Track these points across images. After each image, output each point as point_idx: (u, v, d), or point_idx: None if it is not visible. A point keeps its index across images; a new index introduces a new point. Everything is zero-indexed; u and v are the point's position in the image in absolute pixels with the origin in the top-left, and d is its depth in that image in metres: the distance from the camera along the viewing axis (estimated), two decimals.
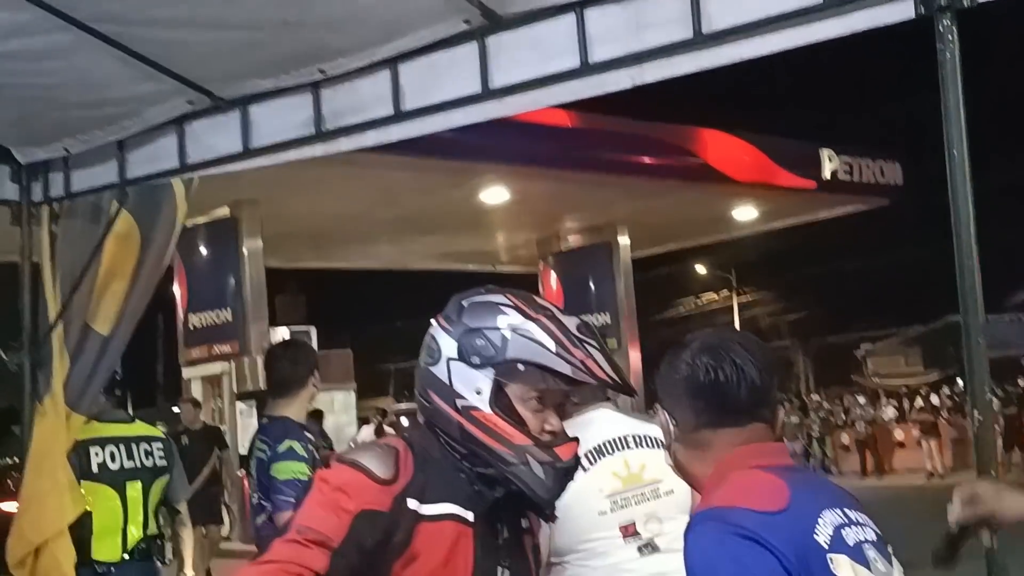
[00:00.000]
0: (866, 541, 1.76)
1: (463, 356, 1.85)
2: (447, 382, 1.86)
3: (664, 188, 16.24)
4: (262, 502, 3.86)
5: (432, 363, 1.89)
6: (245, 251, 15.11)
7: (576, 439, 1.93)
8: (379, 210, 15.75)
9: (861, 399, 25.39)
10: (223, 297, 15.21)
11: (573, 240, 20.87)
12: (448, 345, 1.87)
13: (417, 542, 1.80)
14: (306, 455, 3.89)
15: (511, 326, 1.85)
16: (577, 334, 1.87)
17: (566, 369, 1.83)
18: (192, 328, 15.71)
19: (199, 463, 9.86)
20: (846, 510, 1.78)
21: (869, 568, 1.72)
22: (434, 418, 1.89)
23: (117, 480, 4.19)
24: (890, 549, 1.81)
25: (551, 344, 1.83)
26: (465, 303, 1.92)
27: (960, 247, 2.44)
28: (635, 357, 20.22)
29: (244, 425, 14.18)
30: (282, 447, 3.80)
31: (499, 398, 1.84)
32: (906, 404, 24.40)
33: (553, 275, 20.84)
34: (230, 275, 15.16)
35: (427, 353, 1.91)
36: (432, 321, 1.96)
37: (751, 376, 1.79)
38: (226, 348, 15.08)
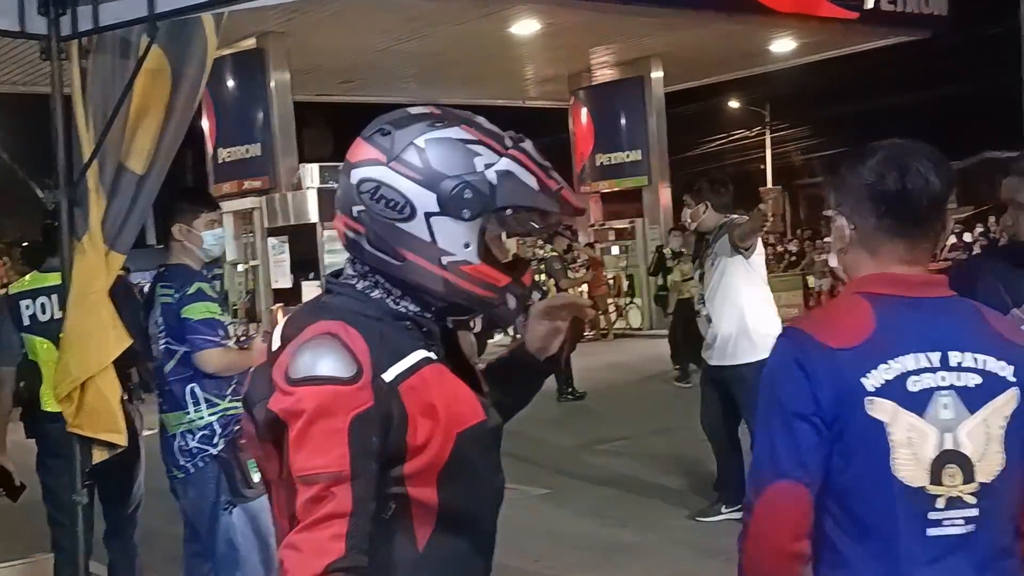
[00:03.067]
0: (948, 389, 1.81)
1: (447, 211, 1.67)
2: (429, 239, 1.68)
3: (700, 19, 15.76)
4: (170, 346, 3.96)
5: (402, 219, 1.68)
6: (272, 84, 14.94)
7: (528, 260, 1.88)
8: (406, 43, 15.45)
9: None
10: (252, 131, 15.11)
11: (605, 74, 20.47)
12: (424, 198, 1.67)
13: (410, 403, 1.66)
14: (216, 295, 4.06)
15: (493, 168, 1.68)
16: (541, 161, 1.74)
17: (552, 207, 1.72)
18: (221, 163, 15.68)
19: None
20: (953, 354, 1.83)
21: (923, 415, 1.80)
22: (406, 276, 1.72)
23: (51, 331, 4.25)
24: (1001, 401, 1.84)
25: (533, 182, 1.70)
26: (419, 142, 1.69)
27: None
28: (665, 194, 20.10)
29: (276, 260, 14.33)
30: (191, 289, 3.91)
31: (482, 245, 1.71)
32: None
33: (584, 110, 20.54)
34: (259, 108, 15.03)
35: (389, 207, 1.68)
36: (367, 163, 1.71)
37: (934, 186, 1.86)
38: (256, 183, 15.09)
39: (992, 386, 1.84)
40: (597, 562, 5.89)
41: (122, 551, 4.69)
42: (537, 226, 1.81)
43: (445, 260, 1.69)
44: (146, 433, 4.63)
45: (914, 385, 1.81)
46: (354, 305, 1.74)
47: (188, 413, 3.95)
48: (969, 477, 1.82)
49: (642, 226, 20.15)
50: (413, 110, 1.74)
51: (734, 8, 15.47)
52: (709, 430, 6.55)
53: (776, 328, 6.09)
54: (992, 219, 26.33)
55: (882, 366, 1.81)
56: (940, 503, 1.81)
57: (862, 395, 1.80)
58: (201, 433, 3.95)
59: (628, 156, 20.03)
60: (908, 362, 1.82)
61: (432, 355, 1.74)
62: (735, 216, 6.38)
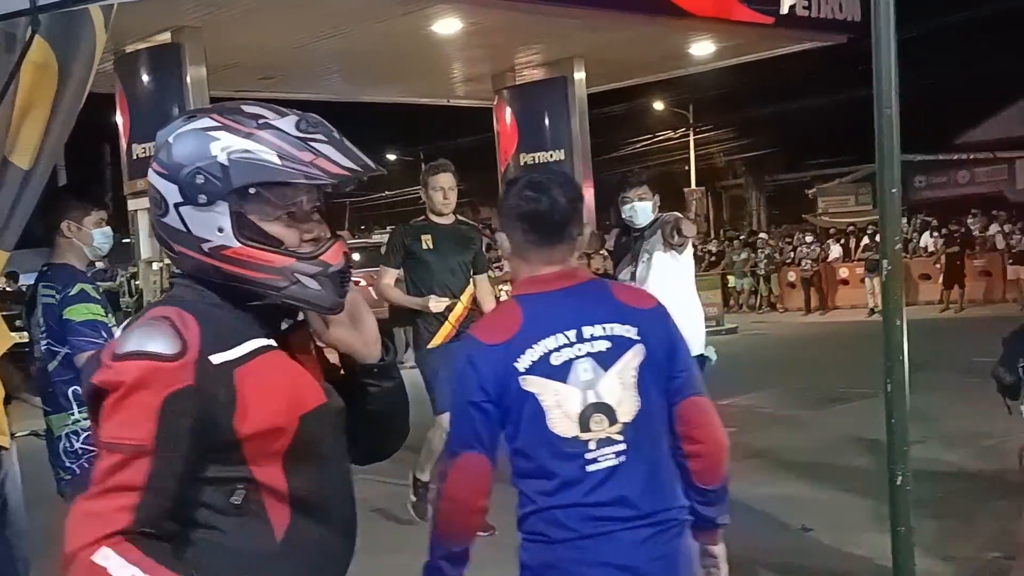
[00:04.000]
0: (584, 356, 2.36)
1: (188, 199, 1.71)
2: (184, 229, 1.72)
3: (621, 21, 15.86)
4: (52, 347, 3.93)
5: (162, 214, 1.74)
6: (188, 79, 14.66)
7: (341, 237, 1.87)
8: (327, 40, 15.29)
9: (809, 238, 25.74)
10: (167, 127, 14.84)
11: (529, 74, 20.53)
12: (170, 190, 1.72)
13: (244, 388, 1.68)
14: (100, 297, 4.01)
15: (228, 151, 1.70)
16: (298, 135, 1.74)
17: (299, 178, 1.71)
18: (136, 158, 15.36)
19: None
20: (586, 328, 2.37)
21: (566, 381, 2.35)
22: (189, 268, 1.76)
23: None
24: (629, 357, 2.38)
25: (274, 158, 1.70)
26: (171, 138, 1.74)
27: (880, 96, 2.42)
28: (589, 194, 20.19)
29: None
30: (74, 290, 3.89)
31: (244, 228, 1.72)
32: (852, 243, 24.79)
33: (508, 110, 20.53)
34: (174, 104, 14.69)
35: (154, 204, 1.75)
36: (150, 168, 1.78)
37: (561, 205, 2.41)
38: None
39: (620, 346, 2.37)
40: None
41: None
42: (305, 200, 1.78)
43: (206, 247, 1.72)
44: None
45: (556, 359, 2.34)
46: (191, 294, 1.77)
47: (72, 415, 3.91)
48: (613, 420, 2.35)
49: None
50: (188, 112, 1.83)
51: (653, 11, 15.60)
52: None
53: (702, 327, 6.17)
54: (904, 220, 27.00)
55: (529, 351, 2.34)
56: (592, 445, 2.34)
57: (516, 376, 2.34)
58: (86, 434, 3.90)
59: (552, 156, 20.05)
60: (549, 343, 2.35)
61: (272, 343, 1.77)
62: (669, 213, 6.18)
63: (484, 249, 6.76)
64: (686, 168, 38.55)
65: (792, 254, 25.01)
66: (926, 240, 24.13)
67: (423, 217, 6.49)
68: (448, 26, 15.92)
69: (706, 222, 37.23)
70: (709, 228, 36.34)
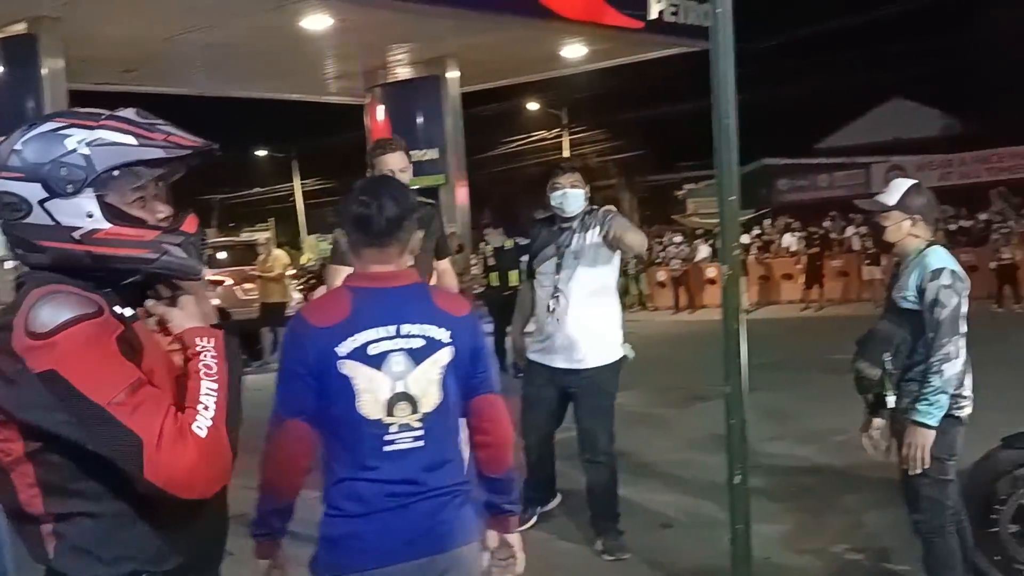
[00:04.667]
0: (399, 351, 2.62)
1: (54, 192, 1.82)
2: (53, 223, 1.83)
3: (493, 22, 15.96)
4: None
5: (23, 216, 1.84)
6: (45, 71, 14.14)
7: (192, 210, 2.03)
8: (193, 33, 14.95)
9: (678, 238, 26.28)
10: (22, 120, 14.21)
11: (401, 72, 20.44)
12: (31, 190, 1.83)
13: (142, 338, 1.88)
14: None
15: (84, 142, 1.84)
16: (143, 120, 1.91)
17: (159, 153, 1.87)
18: None
19: None
20: (404, 325, 2.64)
21: (380, 369, 2.60)
22: (57, 262, 1.85)
23: None
24: (438, 356, 2.67)
25: (131, 139, 1.86)
26: (17, 146, 1.86)
27: (718, 107, 2.48)
28: (463, 193, 20.25)
29: None
30: None
31: (109, 210, 1.85)
32: (719, 243, 25.37)
33: (381, 108, 20.43)
34: (30, 96, 14.19)
35: (10, 211, 1.85)
36: None
37: (390, 210, 2.65)
38: None
39: (432, 346, 2.65)
40: None
41: None
42: (162, 174, 1.94)
43: (76, 234, 1.84)
44: None
45: (374, 349, 2.59)
46: (54, 279, 1.86)
47: None
48: (415, 409, 2.63)
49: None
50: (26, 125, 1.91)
51: (524, 12, 15.75)
52: (536, 435, 6.08)
53: (621, 326, 6.02)
54: (767, 222, 27.89)
55: (350, 338, 2.59)
56: (393, 428, 2.62)
57: (335, 359, 2.58)
58: None
59: (425, 155, 20.04)
60: (370, 334, 2.60)
61: (127, 311, 1.92)
62: (607, 208, 5.81)
63: (446, 232, 5.78)
64: None
65: (662, 254, 25.50)
66: (788, 241, 24.93)
67: None
68: (318, 22, 15.75)
69: None
70: None
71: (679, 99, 31.85)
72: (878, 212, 4.24)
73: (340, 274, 5.47)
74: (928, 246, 4.21)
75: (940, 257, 4.16)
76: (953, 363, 4.01)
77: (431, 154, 19.94)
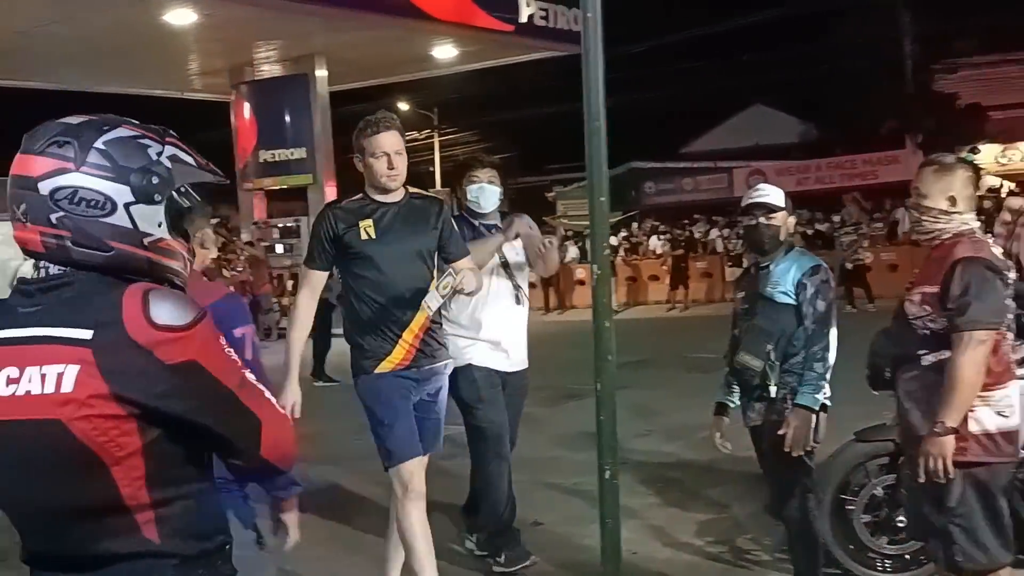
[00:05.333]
0: None
1: (140, 198, 1.90)
2: (131, 227, 1.90)
3: (363, 21, 15.87)
4: None
5: (104, 214, 1.88)
6: None
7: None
8: (52, 26, 14.42)
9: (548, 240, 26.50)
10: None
11: (268, 69, 20.11)
12: (118, 191, 1.88)
13: None
14: None
15: (162, 155, 1.93)
16: (184, 144, 2.02)
17: (210, 178, 2.03)
18: None
19: None
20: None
21: None
22: (116, 264, 1.90)
23: None
24: None
25: (193, 161, 2.00)
26: (100, 145, 1.89)
27: (589, 109, 2.53)
28: (331, 193, 20.02)
29: None
30: None
31: (169, 222, 1.97)
32: (588, 245, 25.74)
33: (246, 105, 20.06)
34: None
35: (91, 206, 1.88)
36: (54, 173, 1.87)
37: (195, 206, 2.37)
38: None
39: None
40: None
41: None
42: (199, 199, 2.06)
43: (146, 241, 1.92)
44: None
45: None
46: (112, 281, 1.91)
47: None
48: None
49: (307, 225, 19.98)
50: (73, 119, 1.93)
51: (394, 12, 15.71)
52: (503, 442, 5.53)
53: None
54: (635, 224, 28.44)
55: None
56: None
57: None
58: None
59: (293, 154, 19.79)
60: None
61: None
62: (520, 215, 5.59)
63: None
64: (431, 169, 38.91)
65: None
66: (654, 243, 25.47)
67: (360, 196, 4.52)
68: (182, 17, 15.38)
69: None
70: None
71: (549, 101, 32.25)
72: (766, 212, 4.38)
73: (313, 281, 4.54)
74: (791, 246, 4.44)
75: (810, 256, 4.46)
76: (832, 352, 4.25)
77: (299, 153, 19.68)
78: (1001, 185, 25.83)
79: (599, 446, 2.64)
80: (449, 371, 4.69)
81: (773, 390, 4.27)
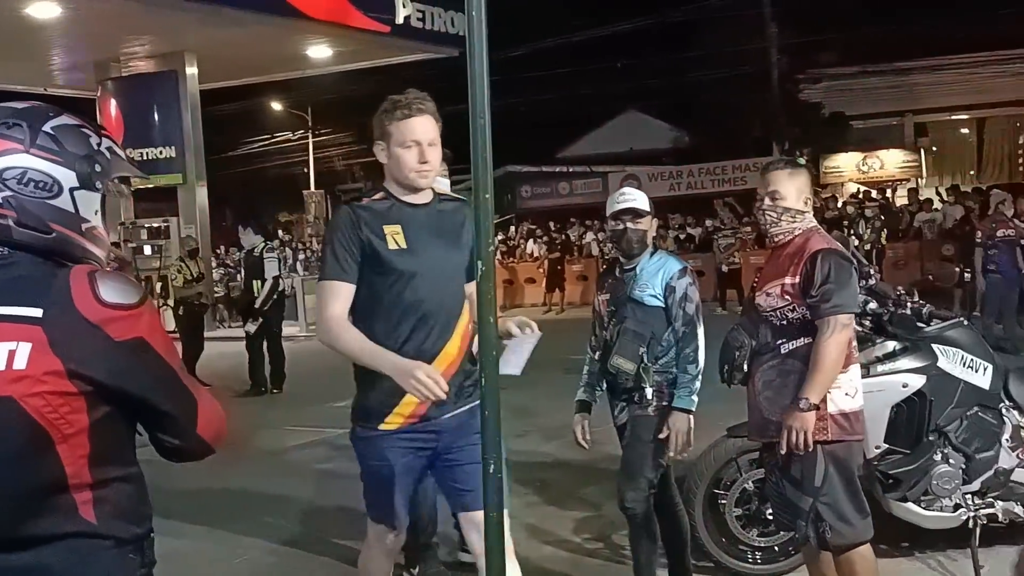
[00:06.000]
0: None
1: (86, 184, 1.97)
2: (73, 211, 1.96)
3: (234, 18, 15.55)
4: None
5: (51, 196, 1.94)
6: None
7: None
8: None
9: None
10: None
11: (136, 66, 19.54)
12: (65, 175, 1.95)
13: None
14: None
15: (101, 145, 2.01)
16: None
17: (135, 170, 2.17)
18: None
19: None
20: None
21: None
22: (52, 247, 1.94)
23: None
24: None
25: (123, 154, 2.09)
26: (48, 129, 1.96)
27: (474, 106, 2.53)
28: (202, 193, 19.59)
29: None
30: None
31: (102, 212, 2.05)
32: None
33: (113, 102, 19.45)
34: None
35: (39, 188, 1.93)
36: (5, 153, 1.93)
37: None
38: None
39: None
40: None
41: None
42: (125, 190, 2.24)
43: (84, 227, 1.98)
44: None
45: None
46: (65, 260, 1.97)
47: None
48: None
49: (177, 225, 19.50)
50: (17, 104, 2.00)
51: (267, 9, 15.45)
52: None
53: None
54: (512, 228, 28.63)
55: None
56: None
57: None
58: None
59: (161, 152, 19.27)
60: None
61: None
62: None
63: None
64: (305, 170, 38.42)
65: None
66: (531, 246, 25.67)
67: (381, 194, 3.60)
68: (45, 10, 14.85)
69: (325, 225, 37.31)
70: None
71: None
72: (633, 217, 4.45)
73: (340, 297, 3.49)
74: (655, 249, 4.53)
75: (676, 259, 4.55)
76: (703, 352, 4.34)
77: (168, 152, 19.20)
78: (865, 191, 26.97)
79: (483, 440, 2.64)
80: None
81: (649, 392, 4.33)
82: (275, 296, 12.11)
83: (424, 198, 3.58)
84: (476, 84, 2.56)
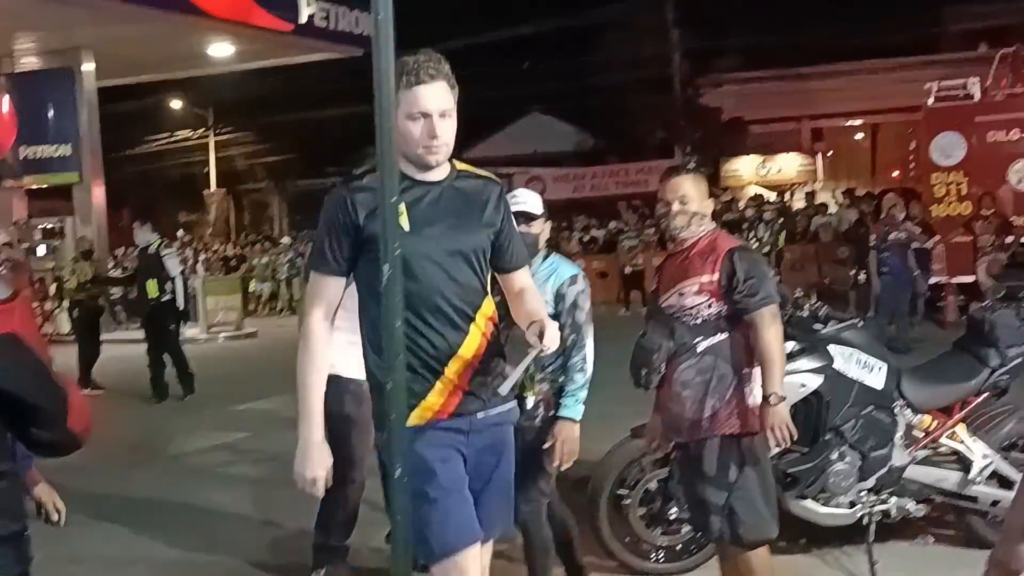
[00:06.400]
0: None
1: None
2: None
3: (133, 14, 15.19)
4: None
5: None
6: None
7: None
8: None
9: None
10: None
11: (29, 62, 18.97)
12: None
13: None
14: None
15: None
16: None
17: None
18: None
19: None
20: None
21: None
22: None
23: None
24: None
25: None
26: None
27: (380, 109, 2.51)
28: (99, 192, 19.11)
29: None
30: None
31: None
32: None
33: (5, 99, 18.84)
34: None
35: None
36: None
37: None
38: None
39: None
40: None
41: None
42: None
43: None
44: None
45: None
46: None
47: None
48: None
49: (72, 225, 18.98)
50: None
51: (166, 6, 15.14)
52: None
53: None
54: None
55: None
56: None
57: None
58: None
59: (57, 151, 18.75)
60: None
61: None
62: None
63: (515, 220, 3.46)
64: (206, 170, 37.70)
65: None
66: None
67: None
68: None
69: (226, 225, 36.67)
70: (230, 231, 35.81)
71: (334, 103, 31.91)
72: (526, 221, 4.39)
73: (326, 292, 3.10)
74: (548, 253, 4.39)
75: (568, 264, 4.38)
76: (591, 360, 4.25)
77: (63, 150, 18.70)
78: (762, 195, 27.54)
79: (386, 444, 2.63)
80: (515, 418, 3.27)
81: (530, 401, 4.17)
82: (170, 295, 11.68)
83: (439, 174, 3.10)
84: (382, 88, 2.55)
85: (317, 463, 3.03)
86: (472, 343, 3.07)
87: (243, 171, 39.74)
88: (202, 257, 26.39)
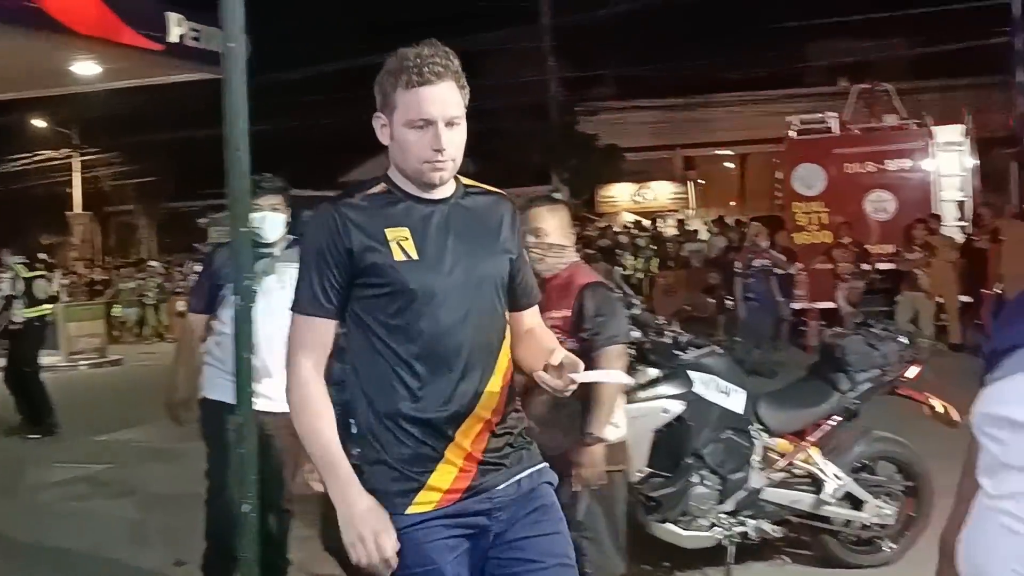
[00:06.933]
0: None
1: None
2: None
3: None
4: None
5: None
6: None
7: None
8: None
9: (198, 266, 25.67)
10: None
11: None
12: None
13: None
14: None
15: None
16: None
17: None
18: None
19: None
20: None
21: None
22: None
23: None
24: None
25: None
26: None
27: (231, 138, 2.46)
28: None
29: None
30: None
31: None
32: None
33: None
34: None
35: None
36: None
37: None
38: None
39: None
40: None
41: None
42: None
43: None
44: None
45: None
46: None
47: None
48: None
49: None
50: None
51: (24, 22, 14.58)
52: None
53: None
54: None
55: None
56: None
57: None
58: None
59: None
60: None
61: None
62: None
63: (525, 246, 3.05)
64: (69, 191, 36.48)
65: (182, 284, 24.73)
66: None
67: (382, 186, 2.61)
68: None
69: (92, 248, 35.54)
70: (94, 255, 34.70)
71: (204, 124, 31.25)
72: None
73: (313, 339, 2.52)
74: None
75: None
76: None
77: None
78: (637, 221, 28.06)
79: (237, 480, 2.56)
80: (547, 475, 2.72)
81: None
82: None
83: (444, 191, 2.58)
84: (232, 116, 2.50)
85: (372, 519, 2.39)
86: (492, 395, 2.52)
87: (110, 192, 38.57)
88: (65, 282, 25.46)
